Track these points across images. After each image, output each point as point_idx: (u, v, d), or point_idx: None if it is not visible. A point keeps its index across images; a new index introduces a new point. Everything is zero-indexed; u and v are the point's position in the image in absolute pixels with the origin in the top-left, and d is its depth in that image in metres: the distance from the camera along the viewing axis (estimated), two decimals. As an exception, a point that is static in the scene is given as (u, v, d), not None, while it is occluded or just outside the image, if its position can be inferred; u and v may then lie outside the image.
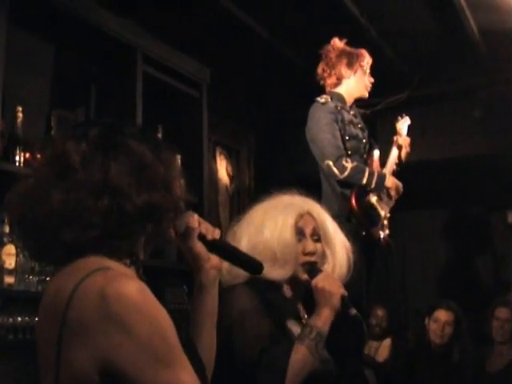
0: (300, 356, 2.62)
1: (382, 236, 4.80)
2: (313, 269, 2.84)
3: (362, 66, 5.01)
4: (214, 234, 2.04)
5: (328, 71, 5.01)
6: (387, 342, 7.01)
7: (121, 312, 1.52)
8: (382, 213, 4.85)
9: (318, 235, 2.91)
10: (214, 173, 6.93)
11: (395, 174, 5.05)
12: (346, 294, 2.78)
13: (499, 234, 8.65)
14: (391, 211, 4.96)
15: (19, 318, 3.84)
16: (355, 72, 4.99)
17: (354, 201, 4.71)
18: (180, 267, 5.01)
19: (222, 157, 7.20)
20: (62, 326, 1.56)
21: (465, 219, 8.88)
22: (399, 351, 6.67)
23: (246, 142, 7.60)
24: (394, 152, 5.17)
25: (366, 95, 5.12)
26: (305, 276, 2.85)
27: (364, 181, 4.75)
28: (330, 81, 5.01)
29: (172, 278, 5.06)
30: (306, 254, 2.86)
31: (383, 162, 5.13)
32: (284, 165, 7.77)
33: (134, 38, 4.91)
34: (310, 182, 4.86)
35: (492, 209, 8.68)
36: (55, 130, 4.52)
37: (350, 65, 4.98)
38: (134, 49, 4.93)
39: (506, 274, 8.37)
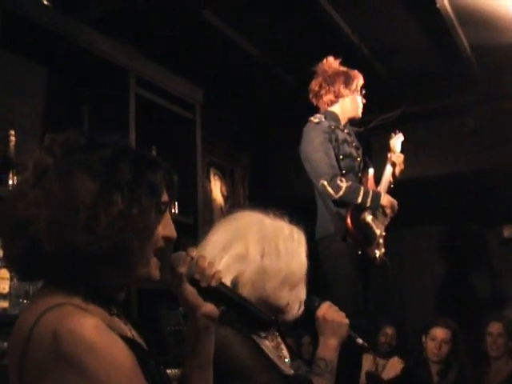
0: None
1: (377, 255, 4.79)
2: (311, 300, 2.73)
3: (357, 87, 5.02)
4: (210, 280, 1.83)
5: (326, 88, 5.00)
6: (394, 360, 6.99)
7: (73, 351, 1.46)
8: (378, 231, 4.84)
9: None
10: (208, 193, 6.93)
11: (390, 191, 5.04)
12: (348, 322, 2.73)
13: (494, 249, 8.65)
14: (386, 229, 4.95)
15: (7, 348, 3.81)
16: (351, 92, 5.00)
17: (349, 220, 4.71)
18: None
19: (217, 177, 7.20)
20: (21, 366, 1.52)
21: (460, 235, 8.88)
22: None
23: (239, 162, 7.61)
24: (388, 169, 5.16)
25: (359, 116, 5.13)
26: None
27: (359, 200, 4.74)
28: (327, 98, 5.01)
29: (167, 299, 5.03)
30: None
31: (378, 179, 5.13)
32: (278, 184, 7.77)
33: (127, 60, 4.90)
34: (305, 202, 4.87)
35: (487, 224, 8.68)
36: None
37: (346, 84, 4.99)
38: (127, 71, 4.92)
39: (502, 289, 8.36)
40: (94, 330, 1.50)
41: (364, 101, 5.09)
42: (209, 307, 1.83)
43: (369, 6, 5.56)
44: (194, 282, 1.83)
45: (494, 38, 5.98)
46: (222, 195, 7.27)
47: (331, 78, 4.98)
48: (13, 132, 4.15)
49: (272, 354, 2.59)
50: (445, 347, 5.48)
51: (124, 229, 1.60)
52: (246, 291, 2.46)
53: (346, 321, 2.72)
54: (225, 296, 1.89)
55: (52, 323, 1.50)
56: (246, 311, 1.96)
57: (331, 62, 5.02)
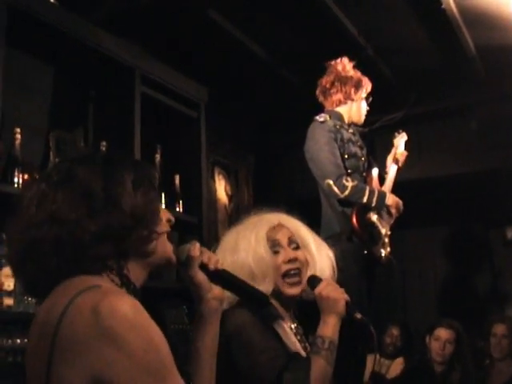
0: (320, 368, 2.61)
1: (383, 254, 4.79)
2: (314, 280, 2.82)
3: (365, 93, 5.03)
4: (216, 263, 2.05)
5: (338, 87, 4.99)
6: (399, 360, 6.99)
7: (114, 328, 1.51)
8: (383, 231, 4.84)
9: (295, 243, 2.90)
10: (212, 192, 6.93)
11: (394, 191, 5.05)
12: (349, 299, 2.76)
13: (498, 250, 8.64)
14: (391, 229, 4.96)
15: (18, 340, 3.82)
16: (360, 98, 5.02)
17: (354, 219, 4.71)
18: (180, 287, 4.99)
19: (221, 176, 7.20)
20: (53, 342, 1.56)
21: (464, 236, 8.86)
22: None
23: (244, 161, 7.61)
24: (393, 169, 5.17)
25: (362, 122, 5.15)
26: (291, 291, 2.84)
27: (365, 199, 4.74)
28: (336, 97, 5.00)
29: (172, 298, 5.05)
30: (286, 262, 2.83)
31: (382, 179, 5.14)
32: (283, 184, 7.78)
33: (132, 59, 4.91)
34: (309, 201, 4.88)
35: (491, 225, 8.66)
36: (53, 151, 4.52)
37: (357, 89, 5.00)
38: (132, 70, 4.93)
39: (505, 290, 8.36)
40: (134, 310, 1.56)
41: (368, 108, 5.10)
42: (217, 289, 2.05)
43: (374, 6, 5.56)
44: (203, 267, 2.02)
45: (499, 39, 5.97)
46: (227, 194, 7.27)
47: (344, 79, 4.98)
48: (19, 130, 4.17)
49: (286, 335, 2.76)
50: (449, 348, 5.49)
51: (138, 216, 1.75)
52: None
53: (344, 296, 2.75)
54: (229, 278, 2.11)
55: (91, 301, 1.55)
56: (246, 291, 2.17)
57: (345, 64, 5.02)
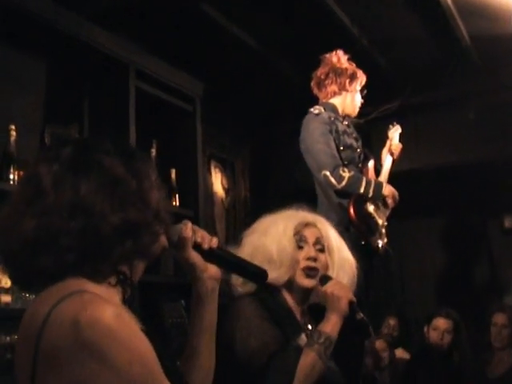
0: (309, 360, 2.65)
1: (380, 244, 4.79)
2: (324, 278, 2.90)
3: (359, 86, 5.03)
4: (210, 242, 1.98)
5: (333, 78, 4.99)
6: (398, 351, 6.99)
7: (95, 339, 1.44)
8: (380, 221, 4.85)
9: (321, 245, 3.00)
10: (209, 186, 6.93)
11: (390, 181, 5.05)
12: (354, 299, 2.83)
13: (496, 239, 8.65)
14: (388, 219, 4.96)
15: (16, 337, 3.81)
16: (354, 89, 5.02)
17: (352, 210, 4.70)
18: (177, 281, 5.00)
19: (217, 170, 7.20)
20: (36, 354, 1.49)
21: (461, 226, 8.87)
22: None
23: (240, 154, 7.61)
24: (388, 160, 5.18)
25: (355, 114, 5.15)
26: (305, 281, 2.91)
27: (362, 190, 4.75)
28: (331, 88, 5.00)
29: (169, 292, 5.05)
30: (307, 258, 2.92)
31: (377, 171, 5.15)
32: (279, 176, 7.78)
33: (126, 53, 4.90)
34: (306, 194, 4.86)
35: (488, 214, 8.67)
36: (49, 147, 4.51)
37: (352, 81, 5.00)
38: (127, 64, 4.92)
39: (503, 279, 8.37)
40: (116, 319, 1.48)
41: (362, 101, 5.11)
42: (213, 269, 2.00)
43: (368, -3, 5.57)
44: (196, 247, 1.97)
45: (494, 29, 5.97)
46: (223, 188, 7.27)
47: (339, 70, 4.98)
48: (13, 127, 4.16)
49: (292, 327, 2.88)
50: (447, 337, 5.51)
51: (141, 206, 1.67)
52: None
53: (348, 296, 2.82)
54: (224, 256, 2.06)
55: (71, 311, 1.48)
56: (243, 267, 2.13)
57: (340, 56, 5.02)
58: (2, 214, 1.68)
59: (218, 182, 7.17)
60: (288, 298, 2.96)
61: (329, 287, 2.83)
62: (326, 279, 2.89)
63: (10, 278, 1.76)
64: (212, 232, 6.75)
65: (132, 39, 5.12)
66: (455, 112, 7.25)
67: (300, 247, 2.95)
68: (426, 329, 5.68)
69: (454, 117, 7.26)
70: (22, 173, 4.10)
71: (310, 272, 2.93)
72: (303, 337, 2.88)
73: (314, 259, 2.94)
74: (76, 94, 5.04)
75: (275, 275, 2.84)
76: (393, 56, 6.64)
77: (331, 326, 2.75)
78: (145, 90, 5.12)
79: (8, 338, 3.81)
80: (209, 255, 1.98)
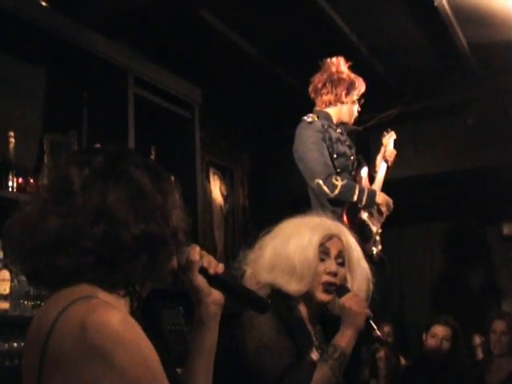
0: (323, 376, 2.64)
1: (374, 252, 4.79)
2: (342, 289, 2.88)
3: (357, 96, 5.02)
4: (216, 268, 2.00)
5: (329, 88, 4.98)
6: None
7: (102, 343, 1.48)
8: (374, 229, 4.85)
9: (342, 259, 2.95)
10: (207, 193, 6.93)
11: (388, 188, 5.05)
12: (371, 314, 2.81)
13: (494, 246, 8.66)
14: (382, 226, 4.96)
15: (15, 344, 3.80)
16: (351, 100, 5.01)
17: (345, 218, 4.70)
18: (176, 288, 4.98)
19: (216, 177, 7.20)
20: (43, 357, 1.53)
21: (460, 232, 8.88)
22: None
23: (239, 161, 7.61)
24: (383, 167, 5.18)
25: (351, 123, 5.15)
26: (323, 296, 2.88)
27: (355, 198, 4.75)
28: (327, 98, 4.99)
29: (168, 299, 5.04)
30: (327, 273, 2.88)
31: (372, 178, 5.15)
32: (278, 184, 7.77)
33: (125, 60, 4.90)
34: (305, 201, 4.87)
35: (487, 221, 8.68)
36: (48, 155, 4.51)
37: (349, 91, 4.98)
38: (125, 71, 4.92)
39: (501, 287, 8.38)
40: (123, 324, 1.52)
41: (359, 109, 5.10)
42: (217, 294, 2.00)
43: (367, 4, 5.56)
44: (202, 271, 1.97)
45: (492, 36, 5.99)
46: (222, 195, 7.27)
47: (336, 81, 4.95)
48: (12, 133, 4.16)
49: (305, 340, 2.85)
50: (445, 344, 5.50)
51: (162, 222, 1.72)
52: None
53: (365, 311, 2.79)
54: (229, 283, 2.06)
55: (79, 315, 1.52)
56: (246, 297, 2.10)
57: (340, 64, 4.99)
58: (28, 209, 1.72)
59: (216, 189, 7.17)
60: (302, 308, 2.93)
61: (346, 300, 2.80)
62: (343, 291, 2.87)
63: (25, 273, 1.77)
64: (211, 239, 6.77)
65: (131, 46, 5.14)
66: (454, 119, 7.25)
67: (322, 260, 2.91)
68: (424, 336, 5.68)
69: (453, 123, 7.27)
70: (20, 180, 4.11)
71: (329, 287, 2.89)
72: (314, 349, 2.86)
73: (335, 274, 2.90)
74: (75, 100, 5.05)
75: (296, 288, 2.83)
76: (392, 63, 6.64)
77: (347, 340, 2.73)
78: (143, 97, 5.12)
79: (6, 345, 3.80)
80: (214, 280, 1.99)
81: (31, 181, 4.20)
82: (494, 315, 5.99)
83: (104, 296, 1.64)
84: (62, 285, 1.65)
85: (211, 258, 2.01)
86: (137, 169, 1.73)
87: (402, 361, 6.80)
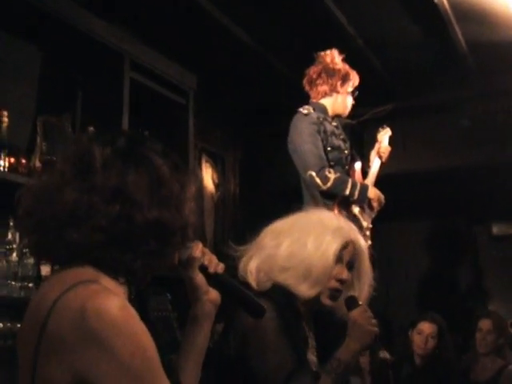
0: None
1: (364, 247, 4.78)
2: (352, 301, 2.80)
3: (351, 87, 5.02)
4: (217, 267, 2.00)
5: (324, 78, 4.97)
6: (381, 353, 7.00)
7: (100, 329, 1.49)
8: (365, 224, 4.84)
9: (352, 264, 2.87)
10: (199, 180, 6.92)
11: (377, 184, 5.05)
12: (378, 333, 2.75)
13: (483, 245, 8.68)
14: (373, 222, 4.96)
15: (1, 324, 3.80)
16: (345, 91, 5.00)
17: (336, 211, 4.70)
18: (163, 274, 4.97)
19: (208, 164, 7.19)
20: (40, 338, 1.54)
21: (449, 231, 8.90)
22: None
23: (232, 149, 7.60)
24: (377, 163, 5.18)
25: (346, 115, 5.14)
26: (327, 301, 2.80)
27: (347, 192, 4.74)
28: (322, 88, 4.99)
29: (155, 285, 5.04)
30: (338, 280, 2.80)
31: (365, 173, 5.15)
32: (270, 173, 7.76)
33: (122, 44, 4.89)
34: (296, 192, 4.87)
35: (476, 220, 8.70)
36: (40, 136, 4.49)
37: (344, 82, 4.98)
38: (122, 55, 4.91)
39: (489, 286, 8.40)
40: (121, 311, 1.53)
41: (353, 102, 5.10)
42: (214, 293, 2.01)
43: (366, -3, 5.57)
44: (202, 269, 1.98)
45: (490, 35, 5.98)
46: (213, 182, 7.26)
47: (331, 71, 4.96)
48: (6, 113, 4.14)
49: (303, 342, 2.77)
50: (431, 342, 5.52)
51: (175, 213, 1.73)
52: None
53: (375, 330, 2.73)
54: (227, 284, 2.06)
55: (80, 299, 1.53)
56: (243, 299, 2.09)
57: (335, 56, 4.99)
58: (43, 179, 1.74)
59: (208, 177, 7.16)
60: (302, 308, 2.84)
61: (357, 315, 2.73)
62: (353, 303, 2.79)
63: (32, 245, 1.76)
64: (201, 226, 6.75)
65: (128, 30, 5.12)
66: (447, 116, 7.26)
67: (335, 265, 2.82)
68: (410, 333, 5.69)
69: (445, 121, 7.27)
70: (12, 159, 4.09)
71: (335, 294, 2.81)
72: (310, 348, 2.82)
73: (344, 281, 2.82)
74: (70, 83, 5.03)
75: (307, 292, 2.74)
76: (388, 58, 6.63)
77: (351, 356, 2.68)
78: (139, 81, 5.10)
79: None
80: (213, 279, 2.00)
81: (23, 161, 4.18)
82: (481, 314, 6.01)
83: (106, 282, 1.64)
84: (67, 263, 1.66)
85: (213, 257, 2.01)
86: (157, 156, 1.75)
87: (387, 356, 6.82)
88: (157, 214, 1.66)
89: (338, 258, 2.80)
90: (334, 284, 2.80)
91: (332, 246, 2.78)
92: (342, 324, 2.84)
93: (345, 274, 2.82)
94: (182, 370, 1.95)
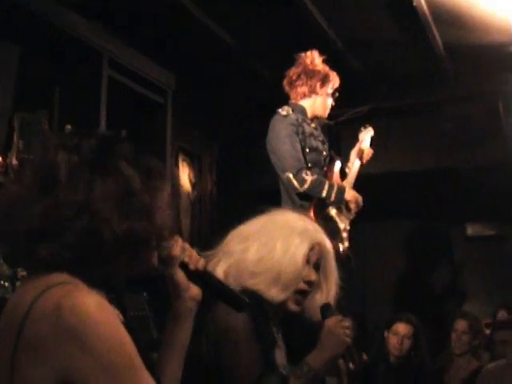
0: None
1: (341, 249, 4.78)
2: (327, 309, 2.80)
3: (331, 89, 5.02)
4: (197, 263, 1.98)
5: (304, 80, 4.97)
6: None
7: (76, 327, 1.47)
8: (342, 225, 4.85)
9: (318, 265, 2.85)
10: (176, 179, 6.90)
11: (356, 185, 5.06)
12: (350, 343, 2.73)
13: (458, 246, 8.73)
14: (351, 224, 4.96)
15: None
16: (325, 92, 5.00)
17: (312, 213, 4.70)
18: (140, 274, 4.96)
19: (185, 163, 7.17)
20: (17, 341, 1.51)
21: (425, 231, 8.93)
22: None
23: (209, 149, 7.59)
24: (356, 164, 5.18)
25: (325, 117, 5.15)
26: (293, 307, 2.77)
27: (324, 194, 4.75)
28: (301, 90, 4.98)
29: (132, 284, 5.02)
30: (306, 281, 2.78)
31: (344, 174, 5.15)
32: (247, 173, 7.76)
33: (101, 42, 4.88)
34: (272, 192, 4.87)
35: (452, 221, 8.75)
36: (17, 133, 4.47)
37: (323, 83, 4.98)
38: (100, 53, 4.90)
39: (464, 287, 8.45)
40: (99, 308, 1.51)
41: (333, 103, 5.10)
42: (195, 290, 1.98)
43: (346, 0, 5.56)
44: (183, 266, 1.95)
45: (468, 38, 6.02)
46: (190, 182, 7.24)
47: (311, 73, 4.96)
48: (-17, 111, 4.12)
49: (272, 343, 2.75)
50: (406, 342, 5.54)
51: (147, 222, 1.67)
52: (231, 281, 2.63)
53: (348, 340, 2.71)
54: (208, 279, 2.03)
55: (55, 298, 1.50)
56: (225, 294, 2.08)
57: (315, 57, 4.99)
58: (9, 190, 1.68)
59: (185, 176, 7.15)
60: (268, 307, 2.79)
61: (334, 325, 2.71)
62: (329, 311, 2.78)
63: (2, 254, 1.73)
64: (177, 225, 6.74)
65: (107, 28, 5.09)
66: (425, 118, 7.30)
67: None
68: (385, 334, 5.71)
69: (424, 123, 7.30)
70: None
71: (301, 298, 2.78)
72: (277, 348, 2.82)
73: (312, 283, 2.80)
74: (47, 80, 5.00)
75: (278, 297, 2.71)
76: (367, 59, 6.66)
77: (323, 364, 2.66)
78: (117, 80, 5.09)
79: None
80: (193, 276, 1.97)
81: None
82: (456, 314, 6.03)
83: (82, 285, 1.61)
84: (40, 271, 1.62)
85: (193, 253, 1.98)
86: (127, 164, 1.68)
87: (364, 356, 6.85)
88: (126, 227, 1.61)
89: (307, 261, 2.78)
90: (302, 286, 2.78)
91: (300, 249, 2.77)
92: (311, 326, 2.86)
93: (313, 276, 2.80)
94: (164, 368, 1.93)
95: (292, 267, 2.73)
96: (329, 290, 2.92)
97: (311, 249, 2.80)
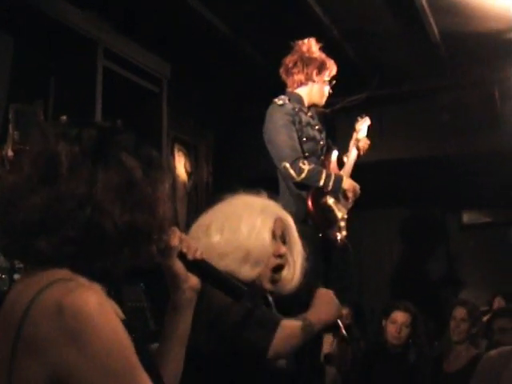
0: (292, 324, 2.68)
1: (338, 237, 4.78)
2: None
3: (328, 76, 5.01)
4: (195, 253, 1.95)
5: (300, 67, 4.95)
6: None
7: (76, 326, 1.44)
8: (339, 214, 4.84)
9: (284, 238, 2.90)
10: (174, 172, 6.90)
11: (353, 172, 5.05)
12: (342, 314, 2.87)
13: (454, 234, 8.75)
14: (349, 213, 4.96)
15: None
16: (322, 80, 4.99)
17: (310, 202, 4.70)
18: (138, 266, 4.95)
19: (181, 153, 7.17)
20: (16, 339, 1.48)
21: (420, 219, 8.95)
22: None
23: (204, 138, 7.58)
24: (354, 153, 5.17)
25: (322, 104, 5.13)
26: (268, 286, 2.83)
27: (321, 183, 4.74)
28: (298, 77, 4.97)
29: (129, 275, 5.01)
30: (277, 255, 2.83)
31: (341, 163, 5.14)
32: (242, 162, 7.76)
33: (96, 31, 4.86)
34: (269, 181, 4.86)
35: (447, 209, 8.76)
36: (12, 124, 4.45)
37: (320, 71, 4.96)
38: (95, 43, 4.88)
39: (459, 274, 8.47)
40: (99, 308, 1.48)
41: (331, 91, 5.09)
42: (194, 280, 1.95)
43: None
44: (181, 256, 1.92)
45: (464, 26, 6.00)
46: (186, 171, 7.24)
47: (307, 60, 4.94)
48: (-23, 101, 4.11)
49: None
50: (405, 331, 5.54)
51: (148, 214, 1.65)
52: None
53: (341, 307, 2.87)
54: (207, 269, 2.00)
55: (56, 296, 1.47)
56: (224, 283, 2.05)
57: (311, 45, 4.97)
58: (6, 181, 1.64)
59: (180, 166, 7.14)
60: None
61: (324, 291, 2.88)
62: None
63: (1, 245, 1.69)
64: (173, 215, 6.74)
65: (101, 18, 5.07)
66: (421, 106, 7.30)
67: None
68: (383, 322, 5.71)
69: (419, 111, 7.31)
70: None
71: (276, 276, 2.84)
72: None
73: (283, 255, 2.85)
74: (42, 70, 4.99)
75: (249, 273, 2.75)
76: (362, 47, 6.64)
77: (318, 322, 2.75)
78: (112, 70, 5.08)
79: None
80: (192, 266, 1.95)
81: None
82: (456, 302, 6.03)
83: (82, 280, 1.59)
84: (40, 263, 1.59)
85: (190, 242, 1.96)
86: (129, 155, 1.65)
87: (361, 344, 6.86)
88: (128, 219, 1.59)
89: (273, 235, 2.83)
90: (274, 261, 2.83)
91: (265, 225, 2.82)
92: (282, 300, 2.93)
93: (282, 249, 2.86)
94: (165, 360, 1.93)
95: (260, 243, 2.78)
96: (295, 262, 2.95)
97: (274, 223, 2.85)
